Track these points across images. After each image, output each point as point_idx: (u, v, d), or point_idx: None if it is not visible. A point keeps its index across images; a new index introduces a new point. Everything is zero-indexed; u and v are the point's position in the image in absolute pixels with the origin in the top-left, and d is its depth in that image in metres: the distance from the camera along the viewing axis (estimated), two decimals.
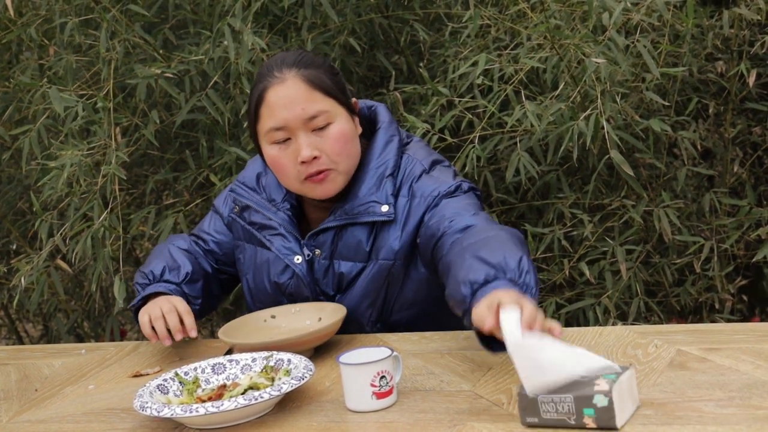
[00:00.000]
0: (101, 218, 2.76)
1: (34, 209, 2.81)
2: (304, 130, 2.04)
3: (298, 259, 2.15)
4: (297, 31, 3.04)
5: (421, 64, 3.16)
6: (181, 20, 3.19)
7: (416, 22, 3.15)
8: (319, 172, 2.05)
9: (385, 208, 2.08)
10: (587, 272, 2.75)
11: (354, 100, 2.16)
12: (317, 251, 2.14)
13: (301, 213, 2.22)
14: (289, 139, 2.05)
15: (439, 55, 3.12)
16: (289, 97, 2.03)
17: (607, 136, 2.53)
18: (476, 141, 2.71)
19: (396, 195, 2.10)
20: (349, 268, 2.12)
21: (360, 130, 2.15)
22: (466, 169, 2.72)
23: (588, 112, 2.57)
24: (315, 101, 2.04)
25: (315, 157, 2.04)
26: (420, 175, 2.11)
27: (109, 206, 2.78)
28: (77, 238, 2.81)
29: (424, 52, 3.29)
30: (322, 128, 2.05)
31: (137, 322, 2.13)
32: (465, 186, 2.10)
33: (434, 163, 2.15)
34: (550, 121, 2.65)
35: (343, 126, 2.07)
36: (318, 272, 2.15)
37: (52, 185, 2.76)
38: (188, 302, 2.15)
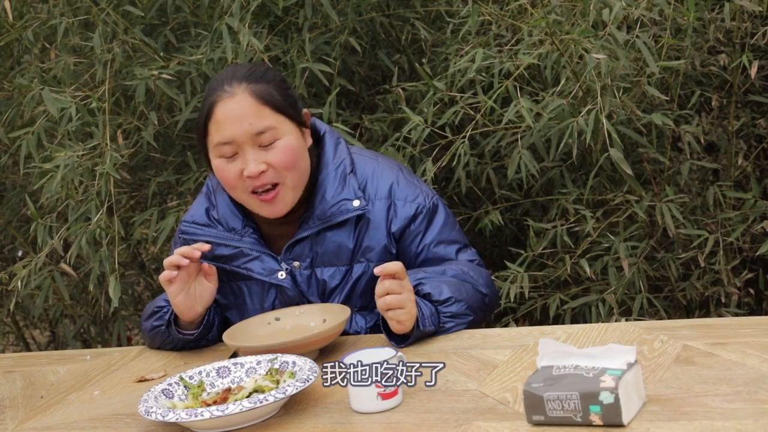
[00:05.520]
0: (95, 219, 2.74)
1: (30, 213, 2.80)
2: (251, 145, 2.04)
3: (282, 275, 2.14)
4: (298, 32, 3.04)
5: (423, 60, 3.16)
6: (182, 22, 3.19)
7: (417, 20, 3.15)
8: (267, 191, 2.06)
9: (356, 203, 2.10)
10: (587, 269, 2.74)
11: (305, 111, 2.15)
12: (296, 263, 2.14)
13: (263, 234, 2.19)
14: (236, 153, 2.05)
15: (440, 53, 3.12)
16: (237, 112, 2.03)
17: (606, 133, 2.52)
18: (467, 137, 2.70)
19: (363, 191, 2.12)
20: (331, 273, 2.12)
21: (310, 142, 2.15)
22: (455, 163, 2.71)
23: (588, 107, 2.56)
24: (263, 117, 2.04)
25: (262, 172, 2.04)
26: (397, 180, 2.15)
27: (104, 206, 2.76)
28: (75, 240, 2.80)
29: (425, 50, 3.29)
30: (268, 144, 2.05)
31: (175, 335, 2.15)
32: (436, 201, 2.17)
33: (399, 168, 2.21)
34: (551, 117, 2.64)
35: (290, 141, 2.07)
36: (302, 284, 2.14)
37: (48, 188, 2.75)
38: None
